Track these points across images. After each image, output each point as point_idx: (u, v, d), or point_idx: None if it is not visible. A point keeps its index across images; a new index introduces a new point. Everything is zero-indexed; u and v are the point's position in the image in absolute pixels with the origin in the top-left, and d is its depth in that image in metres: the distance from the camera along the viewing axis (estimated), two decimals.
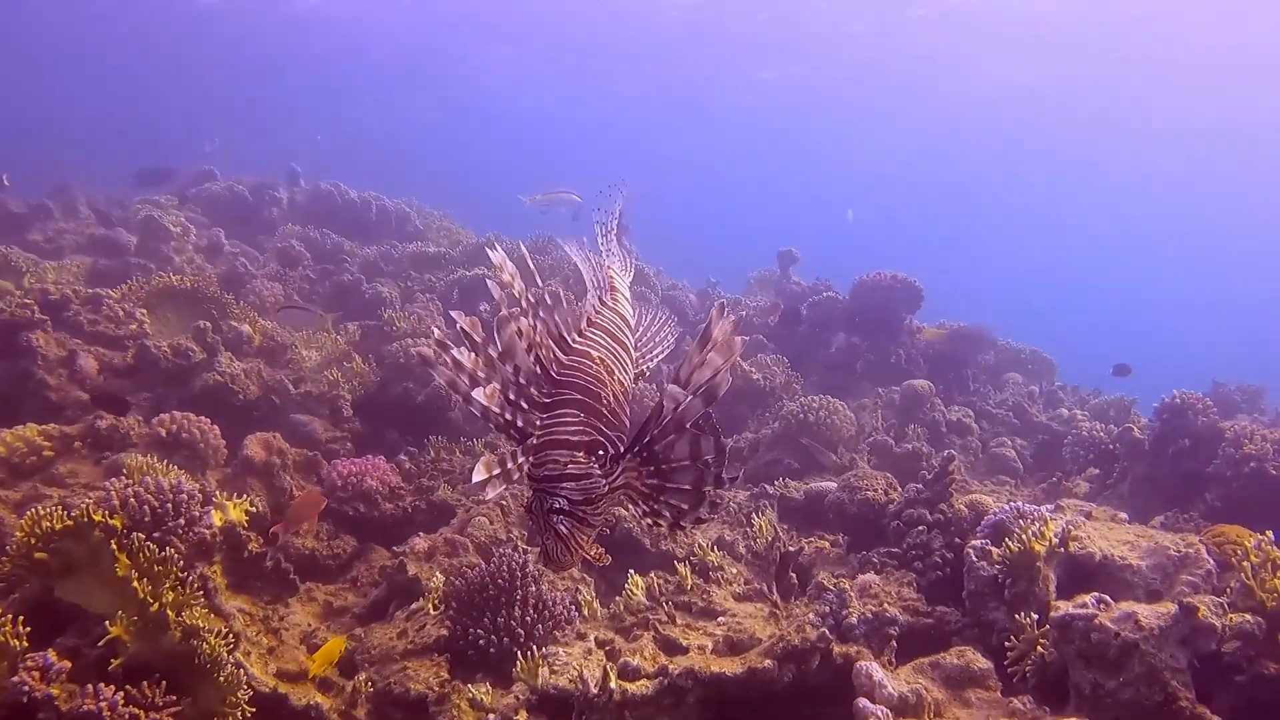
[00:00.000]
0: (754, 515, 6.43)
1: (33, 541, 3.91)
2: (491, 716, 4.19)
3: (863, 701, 3.60)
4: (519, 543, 5.86)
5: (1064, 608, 3.97)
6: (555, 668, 4.32)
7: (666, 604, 5.02)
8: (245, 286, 9.90)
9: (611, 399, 2.35)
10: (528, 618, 4.71)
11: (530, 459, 2.16)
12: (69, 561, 3.93)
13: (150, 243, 11.07)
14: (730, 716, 3.93)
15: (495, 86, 43.98)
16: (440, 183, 36.12)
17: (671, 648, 4.57)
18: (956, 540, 5.30)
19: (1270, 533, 4.14)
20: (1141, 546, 4.70)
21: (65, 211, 12.90)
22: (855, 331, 11.11)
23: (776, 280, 14.42)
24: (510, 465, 2.05)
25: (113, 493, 4.74)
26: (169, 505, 4.83)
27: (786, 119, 46.70)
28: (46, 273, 9.35)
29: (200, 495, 5.06)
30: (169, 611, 3.73)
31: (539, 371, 2.25)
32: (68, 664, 3.60)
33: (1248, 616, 3.80)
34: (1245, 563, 4.01)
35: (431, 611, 5.04)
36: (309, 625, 5.17)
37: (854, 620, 4.56)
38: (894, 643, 4.42)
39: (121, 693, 3.53)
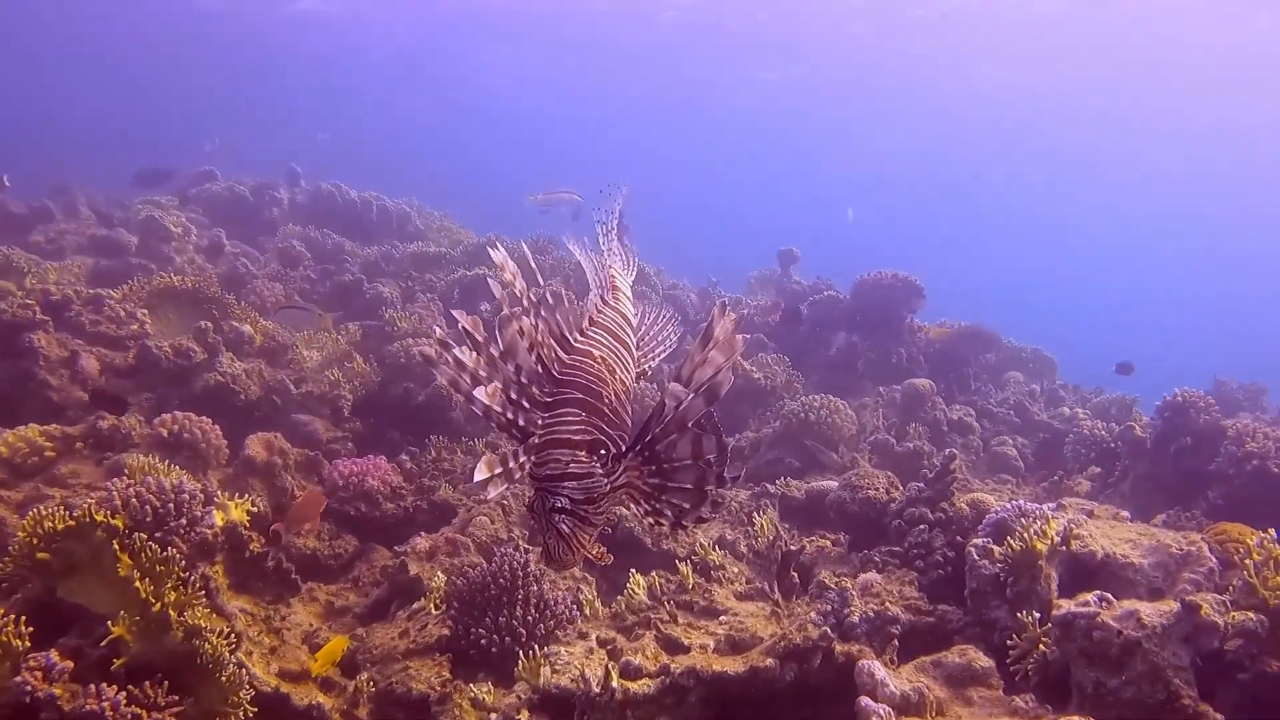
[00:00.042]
0: (755, 514, 6.43)
1: (35, 542, 3.91)
2: (494, 716, 4.19)
3: (865, 700, 3.60)
4: (520, 542, 5.86)
5: (1066, 606, 3.96)
6: (557, 667, 4.31)
7: (668, 603, 5.01)
8: (246, 287, 9.89)
9: (613, 398, 2.35)
10: (529, 617, 4.71)
11: (532, 458, 2.16)
12: (71, 562, 3.94)
13: (151, 243, 11.07)
14: (732, 715, 3.93)
15: (495, 86, 44.03)
16: (440, 183, 36.15)
17: (673, 647, 4.57)
18: (958, 539, 5.29)
19: (1273, 530, 4.13)
20: (1143, 545, 4.70)
21: (66, 212, 12.92)
22: (856, 330, 11.11)
23: (777, 279, 14.41)
24: (512, 464, 2.05)
25: (115, 493, 4.74)
26: (171, 505, 4.84)
27: (786, 119, 46.77)
28: (48, 273, 9.36)
29: (202, 495, 5.07)
30: (171, 611, 3.73)
31: (541, 370, 2.25)
32: (70, 664, 3.61)
33: (1250, 614, 3.79)
34: (1248, 560, 4.01)
35: (433, 611, 5.04)
36: (311, 625, 5.17)
37: (856, 619, 4.56)
38: (896, 641, 4.42)
39: (124, 693, 3.53)
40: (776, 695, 3.92)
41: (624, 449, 2.28)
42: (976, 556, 4.79)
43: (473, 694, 4.33)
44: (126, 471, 5.46)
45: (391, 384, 8.12)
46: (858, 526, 6.06)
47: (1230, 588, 4.09)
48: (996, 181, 60.87)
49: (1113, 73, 31.37)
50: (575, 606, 4.94)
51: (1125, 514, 5.58)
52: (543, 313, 2.29)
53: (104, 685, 3.52)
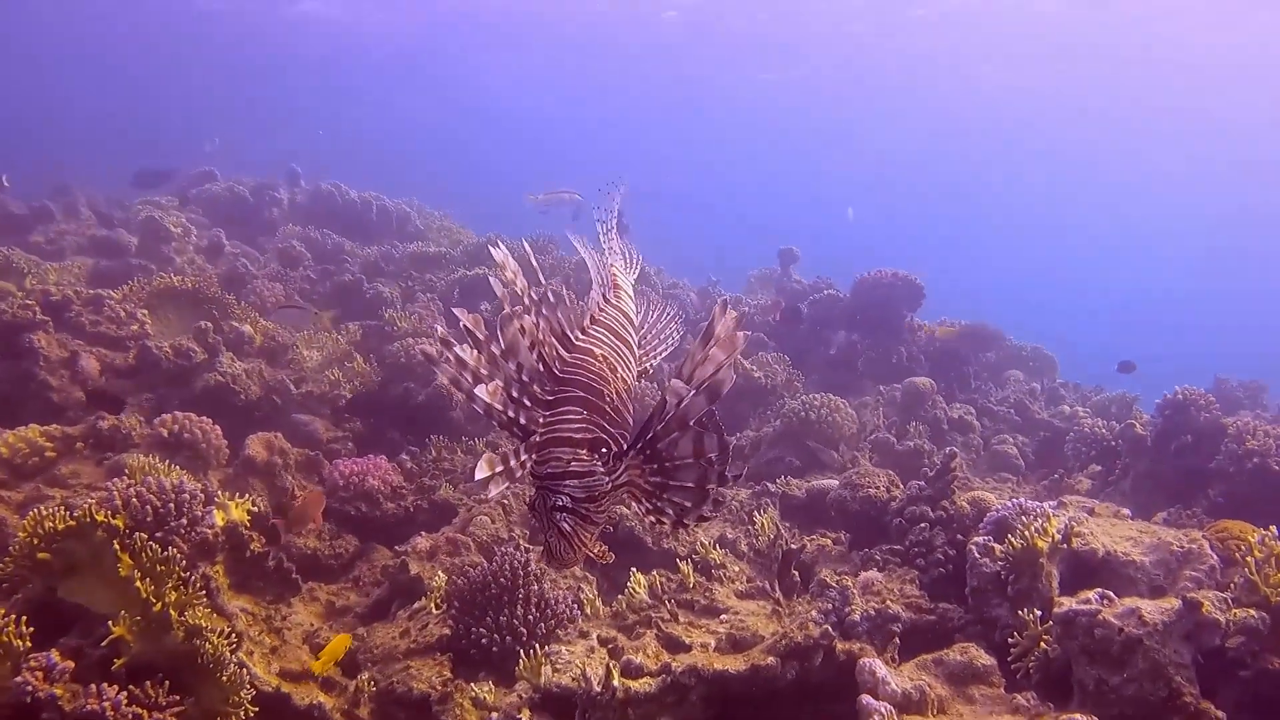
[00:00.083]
0: (756, 513, 6.43)
1: (35, 542, 3.91)
2: (495, 715, 4.19)
3: (866, 698, 3.60)
4: (521, 541, 5.86)
5: (1067, 604, 3.96)
6: (558, 666, 4.31)
7: (669, 602, 5.01)
8: (246, 287, 9.89)
9: (614, 396, 2.35)
10: (530, 616, 4.71)
11: (533, 456, 2.16)
12: (72, 562, 3.93)
13: (151, 243, 11.07)
14: (733, 714, 3.93)
15: (495, 87, 44.06)
16: (440, 183, 36.17)
17: (674, 645, 4.57)
18: (959, 537, 5.29)
19: (1274, 528, 4.14)
20: (1144, 542, 4.70)
21: (66, 212, 12.92)
22: (856, 329, 11.12)
23: (777, 279, 14.42)
24: (513, 462, 2.04)
25: (115, 493, 4.74)
26: (171, 505, 4.84)
27: (786, 119, 46.80)
28: (48, 274, 9.36)
29: (202, 495, 5.06)
30: (172, 611, 3.73)
31: (542, 369, 2.25)
32: (71, 664, 3.60)
33: (1252, 612, 3.80)
34: (1249, 558, 4.01)
35: (434, 610, 5.03)
36: (311, 625, 5.17)
37: (857, 617, 4.56)
38: (897, 639, 4.42)
39: (124, 693, 3.53)
40: (778, 694, 3.92)
41: (625, 447, 2.28)
42: (977, 554, 4.79)
43: (474, 693, 4.33)
44: (127, 471, 5.46)
45: (392, 384, 8.12)
46: (859, 525, 6.06)
47: (1231, 585, 4.10)
48: (997, 181, 60.86)
49: (1113, 73, 31.38)
50: (576, 605, 4.94)
51: (1126, 512, 5.58)
52: (544, 311, 2.28)
53: (105, 685, 3.51)
